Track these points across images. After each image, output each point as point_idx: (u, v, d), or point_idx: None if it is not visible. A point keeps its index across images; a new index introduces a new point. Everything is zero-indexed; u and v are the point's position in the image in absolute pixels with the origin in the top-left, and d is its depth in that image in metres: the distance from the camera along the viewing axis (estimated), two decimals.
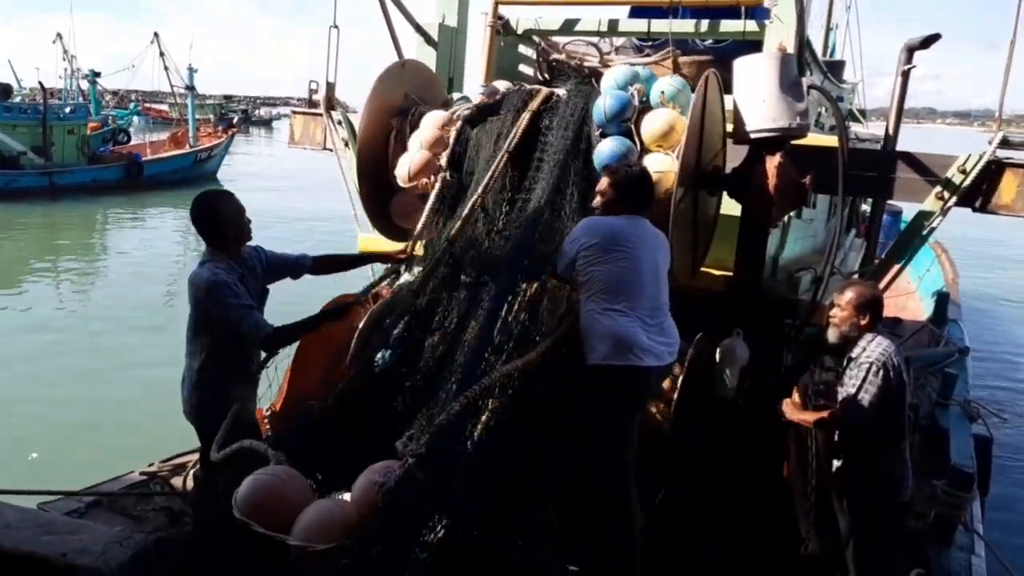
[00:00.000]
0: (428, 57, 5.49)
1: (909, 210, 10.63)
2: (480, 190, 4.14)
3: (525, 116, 4.31)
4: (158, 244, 18.52)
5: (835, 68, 8.72)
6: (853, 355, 3.88)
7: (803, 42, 4.27)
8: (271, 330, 3.65)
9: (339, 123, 5.58)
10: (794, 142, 4.29)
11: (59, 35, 31.23)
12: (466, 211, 4.11)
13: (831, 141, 4.65)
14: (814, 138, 4.64)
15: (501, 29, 5.76)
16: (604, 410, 3.56)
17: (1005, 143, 4.44)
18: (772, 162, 4.10)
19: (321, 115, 5.68)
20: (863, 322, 3.88)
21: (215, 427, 3.82)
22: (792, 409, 4.11)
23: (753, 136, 4.18)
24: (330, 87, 5.53)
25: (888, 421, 3.83)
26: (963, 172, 4.48)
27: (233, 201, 3.84)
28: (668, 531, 4.04)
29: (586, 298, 3.55)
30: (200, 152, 28.78)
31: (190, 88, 29.76)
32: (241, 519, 2.80)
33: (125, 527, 4.12)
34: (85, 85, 31.21)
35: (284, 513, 2.82)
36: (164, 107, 51.68)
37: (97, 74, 31.41)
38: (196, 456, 5.27)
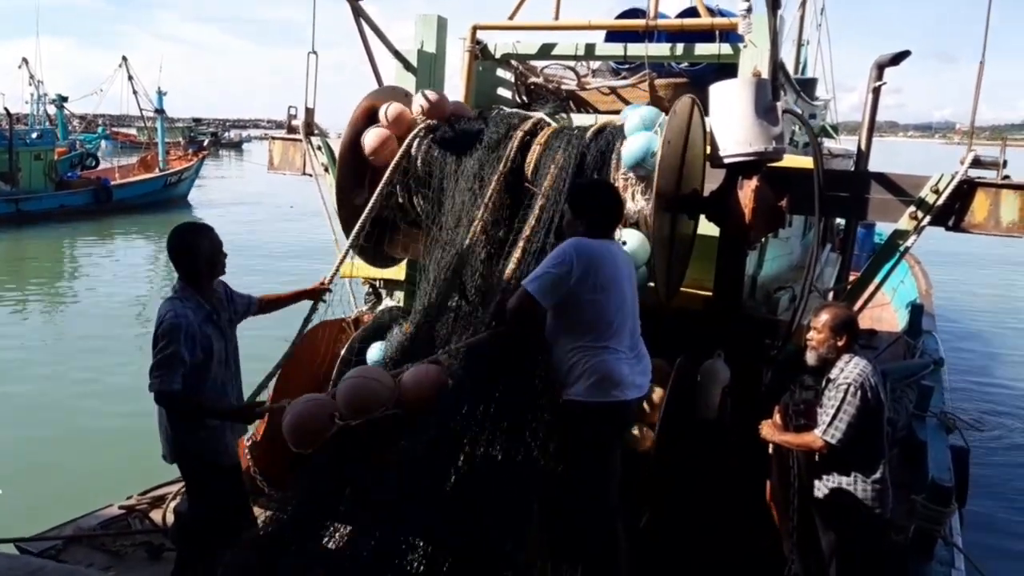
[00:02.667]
0: (407, 82, 5.50)
1: (882, 223, 10.81)
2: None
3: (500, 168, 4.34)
4: (127, 270, 18.30)
5: (807, 86, 8.83)
6: (832, 376, 3.92)
7: (777, 66, 4.34)
8: (172, 389, 3.50)
9: (318, 148, 5.58)
10: (770, 164, 4.35)
11: (25, 60, 30.82)
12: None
13: (806, 162, 4.71)
14: (789, 159, 4.70)
15: (479, 54, 5.81)
16: (585, 444, 3.54)
17: (977, 163, 4.53)
18: (749, 186, 4.16)
19: (300, 140, 5.68)
20: (840, 343, 3.94)
21: (196, 464, 3.79)
22: (772, 430, 4.15)
23: (729, 161, 4.23)
24: (309, 112, 5.53)
25: (867, 440, 3.87)
26: (936, 192, 4.55)
27: (211, 235, 3.77)
28: (652, 555, 4.05)
29: (568, 332, 3.44)
30: (170, 176, 28.56)
31: (160, 111, 29.54)
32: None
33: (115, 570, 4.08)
34: (52, 110, 30.86)
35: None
36: (132, 131, 51.28)
37: (64, 99, 31.08)
38: (176, 487, 5.24)
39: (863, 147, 5.55)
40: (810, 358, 4.02)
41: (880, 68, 5.47)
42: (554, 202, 4.07)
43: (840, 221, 9.67)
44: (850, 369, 3.86)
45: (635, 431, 4.11)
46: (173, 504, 4.98)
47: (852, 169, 5.74)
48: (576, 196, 3.73)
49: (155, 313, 3.67)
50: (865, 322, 10.12)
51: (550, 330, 3.54)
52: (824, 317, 3.97)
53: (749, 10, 4.23)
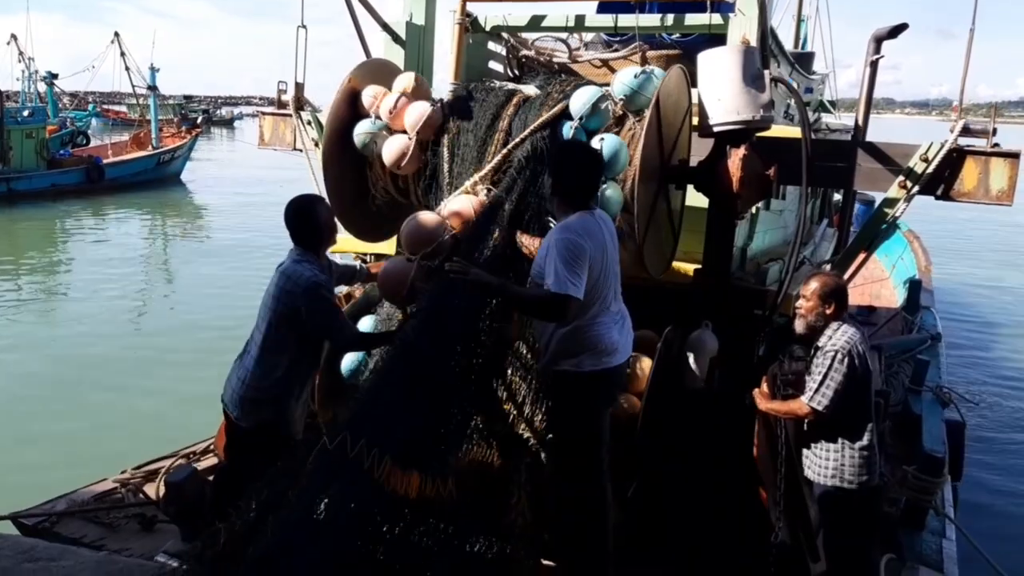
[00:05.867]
0: (396, 56, 5.46)
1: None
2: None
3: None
4: (121, 249, 18.18)
5: (804, 60, 8.78)
6: (820, 344, 3.94)
7: (766, 34, 4.30)
8: (357, 334, 3.96)
9: (309, 123, 5.54)
10: (759, 134, 4.33)
11: (14, 36, 30.46)
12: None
13: (795, 132, 4.70)
14: (780, 129, 4.68)
15: (469, 26, 5.74)
16: (578, 412, 3.56)
17: (966, 131, 4.52)
18: (737, 154, 4.15)
19: (290, 115, 5.64)
20: (829, 311, 3.94)
21: (265, 428, 3.80)
22: (760, 398, 4.17)
23: (717, 129, 4.21)
24: (299, 87, 5.50)
25: (854, 407, 3.88)
26: (925, 160, 4.54)
27: (326, 206, 3.95)
28: (640, 524, 4.08)
29: None
30: (163, 154, 28.38)
31: (152, 88, 29.28)
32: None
33: (107, 550, 4.09)
34: (42, 87, 30.56)
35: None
36: (123, 108, 50.80)
37: (55, 76, 30.77)
38: (169, 462, 5.26)
39: (860, 121, 5.53)
40: (798, 326, 4.03)
41: (878, 41, 5.45)
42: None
43: (838, 197, 9.65)
44: (838, 336, 3.87)
45: (622, 401, 4.13)
46: (166, 477, 4.99)
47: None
48: (553, 165, 3.69)
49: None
50: (865, 298, 10.20)
51: None
52: (813, 285, 3.98)
53: None
